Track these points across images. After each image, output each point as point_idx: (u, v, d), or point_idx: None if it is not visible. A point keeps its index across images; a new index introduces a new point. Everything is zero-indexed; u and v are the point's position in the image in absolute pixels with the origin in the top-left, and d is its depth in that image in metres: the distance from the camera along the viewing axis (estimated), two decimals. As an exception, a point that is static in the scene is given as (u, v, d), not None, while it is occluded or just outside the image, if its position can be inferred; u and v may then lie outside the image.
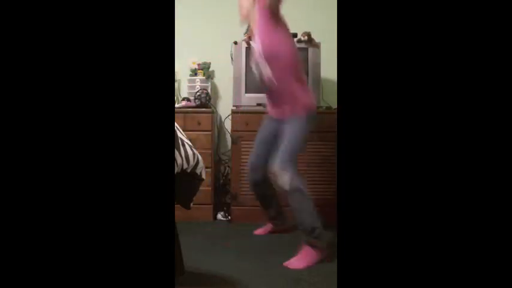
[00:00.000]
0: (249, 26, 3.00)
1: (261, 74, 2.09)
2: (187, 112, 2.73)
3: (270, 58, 2.01)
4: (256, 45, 2.04)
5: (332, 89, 2.93)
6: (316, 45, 2.74)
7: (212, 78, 3.12)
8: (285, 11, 3.11)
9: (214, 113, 2.89)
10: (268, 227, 2.47)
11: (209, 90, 2.91)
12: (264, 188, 2.28)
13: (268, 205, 2.38)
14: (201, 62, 3.00)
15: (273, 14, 1.98)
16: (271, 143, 2.15)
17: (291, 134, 2.02)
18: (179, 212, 1.51)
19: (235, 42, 2.77)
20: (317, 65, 2.73)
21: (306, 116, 2.05)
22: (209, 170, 2.64)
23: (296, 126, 2.03)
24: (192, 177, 1.59)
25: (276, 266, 1.91)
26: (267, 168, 2.10)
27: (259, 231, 2.46)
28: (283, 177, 1.94)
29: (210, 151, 2.71)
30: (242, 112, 2.69)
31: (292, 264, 1.93)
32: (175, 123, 1.57)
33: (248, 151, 2.67)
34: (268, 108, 2.23)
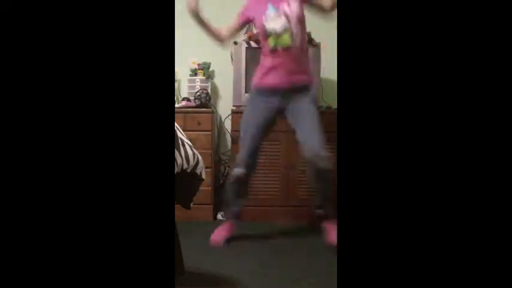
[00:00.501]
0: (249, 26, 3.01)
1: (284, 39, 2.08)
2: (187, 112, 2.73)
3: (302, 23, 2.09)
4: (292, 10, 2.06)
5: (332, 89, 2.92)
6: (316, 45, 2.74)
7: (212, 78, 3.12)
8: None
9: (214, 113, 2.89)
10: (229, 227, 2.30)
11: (209, 90, 2.91)
12: (247, 182, 2.23)
13: (242, 201, 2.30)
14: (201, 62, 3.00)
15: None
16: (269, 127, 2.18)
17: (312, 109, 2.09)
18: (179, 212, 1.51)
19: (235, 42, 2.77)
20: (317, 65, 2.73)
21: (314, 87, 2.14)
22: (209, 170, 2.64)
23: (313, 98, 2.11)
24: (192, 177, 1.59)
25: (276, 266, 1.91)
26: (256, 158, 2.16)
27: (218, 238, 2.24)
28: (327, 156, 2.02)
29: (210, 151, 2.71)
30: (242, 112, 2.68)
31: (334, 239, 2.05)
32: (175, 123, 1.57)
33: (248, 151, 2.67)
34: (272, 79, 2.12)
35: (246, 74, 2.73)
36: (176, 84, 3.09)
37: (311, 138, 2.04)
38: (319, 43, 2.75)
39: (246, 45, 2.75)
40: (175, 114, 2.57)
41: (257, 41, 2.76)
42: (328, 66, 2.82)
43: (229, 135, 3.01)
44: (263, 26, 2.08)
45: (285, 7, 2.06)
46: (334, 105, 2.87)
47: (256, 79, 2.19)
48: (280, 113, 2.17)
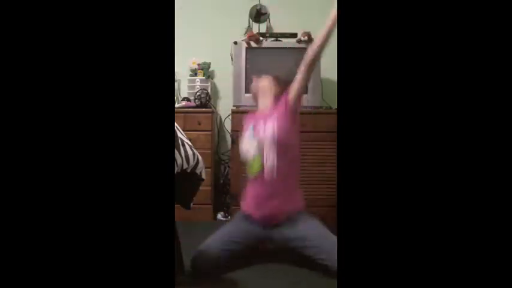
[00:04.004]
0: (249, 26, 3.02)
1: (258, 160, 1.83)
2: (187, 112, 2.73)
3: (282, 147, 1.80)
4: (269, 130, 1.81)
5: (332, 89, 2.93)
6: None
7: (212, 78, 3.12)
8: (285, 10, 3.12)
9: (214, 113, 2.89)
10: None
11: (209, 90, 2.91)
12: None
13: None
14: (201, 62, 3.00)
15: (296, 107, 1.86)
16: (239, 251, 1.82)
17: (317, 225, 1.77)
18: (179, 212, 1.51)
19: (235, 42, 2.78)
20: (317, 65, 2.73)
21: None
22: (209, 170, 2.64)
23: (308, 221, 1.77)
24: (192, 177, 1.59)
25: (276, 266, 1.91)
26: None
27: None
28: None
29: (210, 151, 2.71)
30: (242, 112, 2.69)
31: None
32: (175, 123, 1.57)
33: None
34: (250, 209, 1.89)
35: (246, 74, 2.74)
36: (176, 84, 3.09)
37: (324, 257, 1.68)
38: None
39: (246, 45, 2.75)
40: (175, 114, 2.57)
41: (257, 41, 2.76)
42: (328, 66, 2.82)
43: (229, 135, 3.01)
44: (242, 155, 1.89)
45: (260, 130, 1.81)
46: (334, 105, 2.87)
47: (242, 204, 1.96)
48: (265, 241, 1.90)
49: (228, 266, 1.80)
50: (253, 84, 2.08)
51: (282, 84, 1.97)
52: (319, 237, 1.74)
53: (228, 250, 1.78)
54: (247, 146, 1.86)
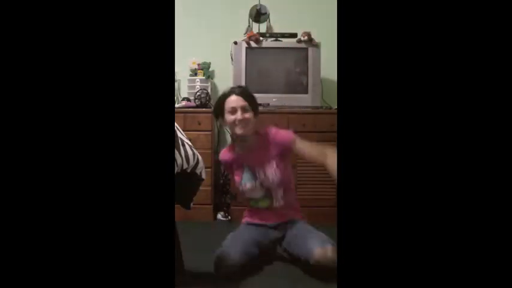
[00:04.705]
0: (249, 26, 3.02)
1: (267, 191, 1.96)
2: (187, 112, 2.73)
3: (285, 184, 1.96)
4: (268, 177, 1.91)
5: (332, 89, 2.93)
6: (316, 45, 2.74)
7: (212, 78, 3.12)
8: (285, 10, 3.12)
9: (214, 113, 2.89)
10: None
11: (209, 90, 2.91)
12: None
13: None
14: (201, 62, 3.00)
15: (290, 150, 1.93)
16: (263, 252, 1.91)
17: (305, 227, 1.93)
18: (179, 212, 1.51)
19: (235, 42, 2.78)
20: (317, 65, 2.73)
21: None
22: (209, 170, 2.64)
23: (303, 223, 1.96)
24: (192, 177, 1.59)
25: (276, 265, 1.91)
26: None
27: None
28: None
29: (210, 151, 2.71)
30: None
31: None
32: (175, 123, 1.57)
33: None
34: (260, 220, 2.00)
35: (246, 74, 2.74)
36: (176, 84, 3.09)
37: (313, 242, 1.77)
38: (319, 43, 2.75)
39: (246, 45, 2.75)
40: (175, 114, 2.57)
41: (257, 41, 2.76)
42: (328, 66, 2.82)
43: (229, 135, 3.01)
44: (242, 192, 2.01)
45: (261, 175, 1.91)
46: (334, 105, 2.87)
47: (244, 218, 2.07)
48: (276, 243, 1.98)
49: (248, 270, 1.81)
50: (227, 113, 1.89)
51: (251, 100, 1.91)
52: (302, 230, 1.91)
53: (249, 253, 1.84)
54: (251, 187, 1.95)
